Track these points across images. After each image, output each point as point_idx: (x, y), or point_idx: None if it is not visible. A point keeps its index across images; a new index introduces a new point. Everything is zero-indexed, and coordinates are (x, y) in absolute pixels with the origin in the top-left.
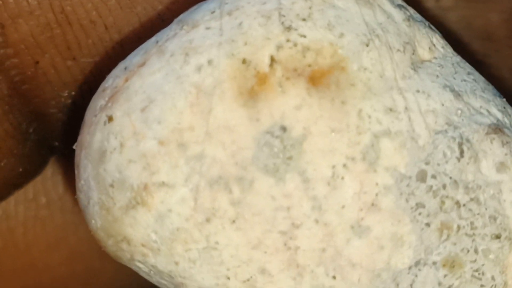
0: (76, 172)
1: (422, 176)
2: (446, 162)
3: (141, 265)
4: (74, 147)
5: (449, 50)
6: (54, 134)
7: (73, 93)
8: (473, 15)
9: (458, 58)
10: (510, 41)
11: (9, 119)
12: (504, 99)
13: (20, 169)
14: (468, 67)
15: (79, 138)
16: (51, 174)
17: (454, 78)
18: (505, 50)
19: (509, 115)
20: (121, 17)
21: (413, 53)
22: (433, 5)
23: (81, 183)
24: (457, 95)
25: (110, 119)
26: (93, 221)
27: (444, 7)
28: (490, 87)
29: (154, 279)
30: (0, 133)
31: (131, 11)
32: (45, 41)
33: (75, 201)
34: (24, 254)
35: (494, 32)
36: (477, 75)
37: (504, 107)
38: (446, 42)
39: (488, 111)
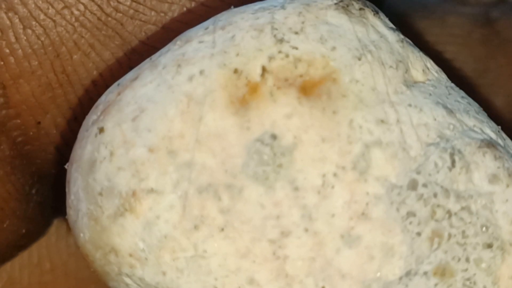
0: (66, 189)
1: (413, 185)
2: (438, 172)
3: (128, 280)
4: (66, 166)
5: (443, 76)
6: (57, 195)
7: None
8: (477, 98)
9: (452, 84)
10: None
11: (12, 181)
12: (499, 127)
13: (23, 231)
14: (462, 93)
15: (71, 155)
16: (55, 239)
17: (448, 98)
18: (509, 134)
19: (504, 139)
20: (123, 76)
21: (406, 72)
22: None
23: (71, 199)
24: (450, 111)
25: (101, 130)
26: (81, 235)
27: None
28: (485, 113)
29: None
30: (2, 195)
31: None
32: (47, 101)
33: (79, 267)
34: None
35: (498, 115)
36: (471, 100)
37: (499, 131)
38: (440, 69)
39: (481, 129)
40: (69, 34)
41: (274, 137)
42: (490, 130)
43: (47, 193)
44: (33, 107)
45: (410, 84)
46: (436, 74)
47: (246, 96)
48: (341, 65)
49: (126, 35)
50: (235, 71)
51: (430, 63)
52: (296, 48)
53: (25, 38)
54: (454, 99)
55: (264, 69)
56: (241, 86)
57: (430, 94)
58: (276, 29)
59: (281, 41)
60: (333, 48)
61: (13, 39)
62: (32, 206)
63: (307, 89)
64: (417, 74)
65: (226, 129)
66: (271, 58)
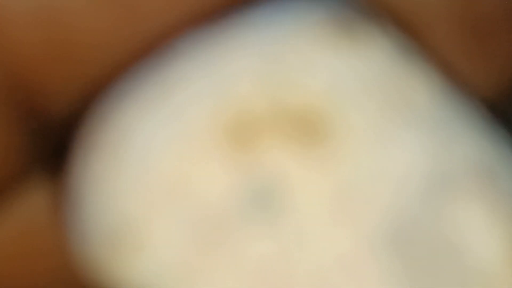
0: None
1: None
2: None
3: None
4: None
5: (443, 88)
6: (53, 131)
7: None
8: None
9: (450, 96)
10: None
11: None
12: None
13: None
14: (462, 107)
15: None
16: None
17: (446, 128)
18: None
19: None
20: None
21: (405, 104)
22: None
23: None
24: (445, 148)
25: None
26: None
27: None
28: (487, 132)
29: None
30: None
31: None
32: None
33: None
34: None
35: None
36: (471, 116)
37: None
38: (440, 78)
39: (475, 162)
40: None
41: (273, 184)
42: (487, 156)
43: (42, 128)
44: None
45: (409, 116)
46: (437, 89)
47: (245, 139)
48: (337, 109)
49: None
50: (235, 112)
51: (431, 77)
52: (297, 91)
53: None
54: (453, 126)
55: (264, 111)
56: (241, 128)
57: (428, 127)
58: (278, 70)
59: (282, 82)
60: (330, 89)
61: None
62: (22, 138)
63: (309, 136)
64: (416, 97)
65: (222, 171)
66: (271, 100)
